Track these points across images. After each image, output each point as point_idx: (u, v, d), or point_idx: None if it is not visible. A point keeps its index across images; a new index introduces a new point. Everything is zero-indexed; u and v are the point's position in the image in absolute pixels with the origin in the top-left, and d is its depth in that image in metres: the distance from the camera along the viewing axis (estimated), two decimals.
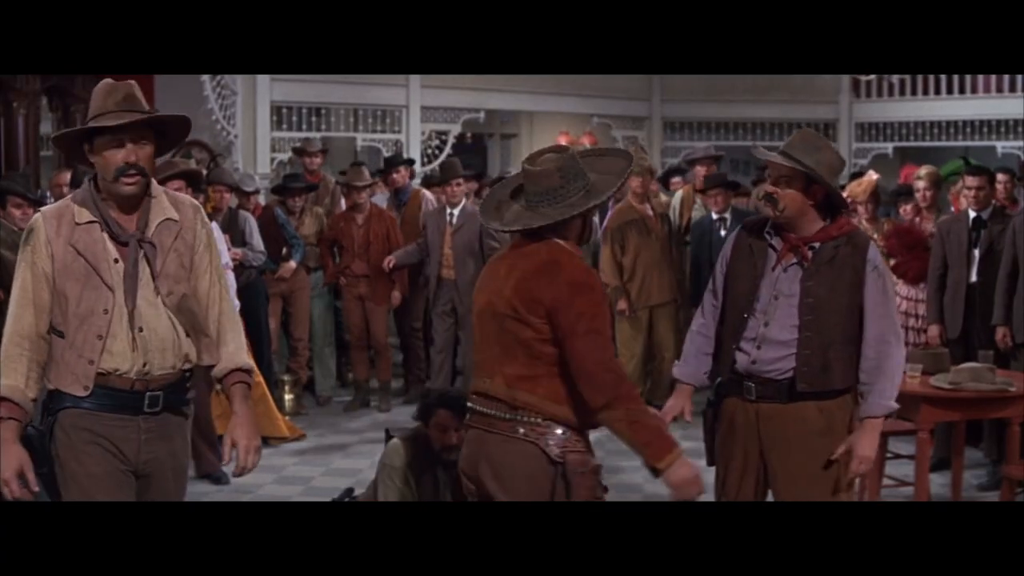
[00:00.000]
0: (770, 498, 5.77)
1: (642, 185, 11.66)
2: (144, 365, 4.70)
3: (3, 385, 4.57)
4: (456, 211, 11.80)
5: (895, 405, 5.56)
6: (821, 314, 5.48)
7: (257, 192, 12.49)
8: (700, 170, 12.79)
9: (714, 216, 11.70)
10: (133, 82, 4.78)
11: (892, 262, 10.60)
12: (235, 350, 4.99)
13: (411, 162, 14.41)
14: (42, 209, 4.78)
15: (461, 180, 12.02)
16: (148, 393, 4.73)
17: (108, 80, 4.77)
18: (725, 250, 5.85)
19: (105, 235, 4.69)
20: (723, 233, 11.21)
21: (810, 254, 5.52)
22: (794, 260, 5.54)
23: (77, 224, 4.66)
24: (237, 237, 10.92)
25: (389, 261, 11.96)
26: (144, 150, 4.73)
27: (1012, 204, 10.38)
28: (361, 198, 12.17)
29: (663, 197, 12.76)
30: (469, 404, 5.08)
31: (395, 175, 13.18)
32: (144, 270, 4.75)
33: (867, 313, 5.50)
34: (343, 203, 12.86)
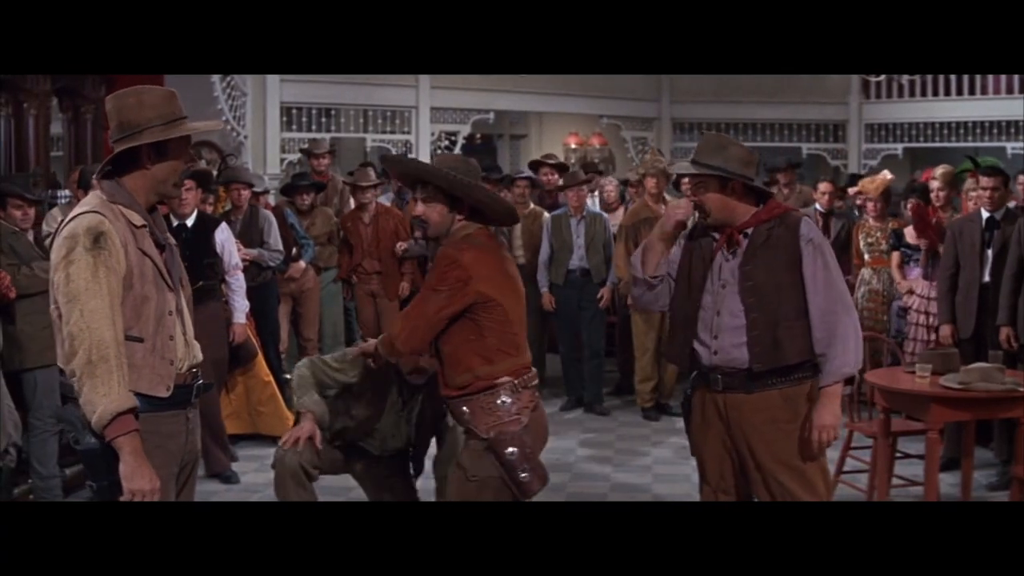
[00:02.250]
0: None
1: (657, 186, 11.84)
2: (193, 358, 4.87)
3: (125, 396, 4.48)
4: None
5: (850, 371, 5.66)
6: (763, 295, 5.63)
7: (266, 192, 12.51)
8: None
9: None
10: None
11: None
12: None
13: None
14: (95, 209, 4.65)
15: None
16: (195, 385, 4.88)
17: (158, 87, 4.81)
18: (675, 250, 5.99)
19: (150, 238, 4.75)
20: None
21: (744, 240, 5.69)
22: (732, 248, 5.71)
23: (136, 227, 4.69)
24: (256, 236, 10.95)
25: (401, 246, 12.25)
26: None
27: None
28: (366, 197, 12.28)
29: (669, 198, 12.83)
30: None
31: None
32: (177, 272, 4.88)
33: (808, 287, 5.63)
34: (352, 204, 12.91)
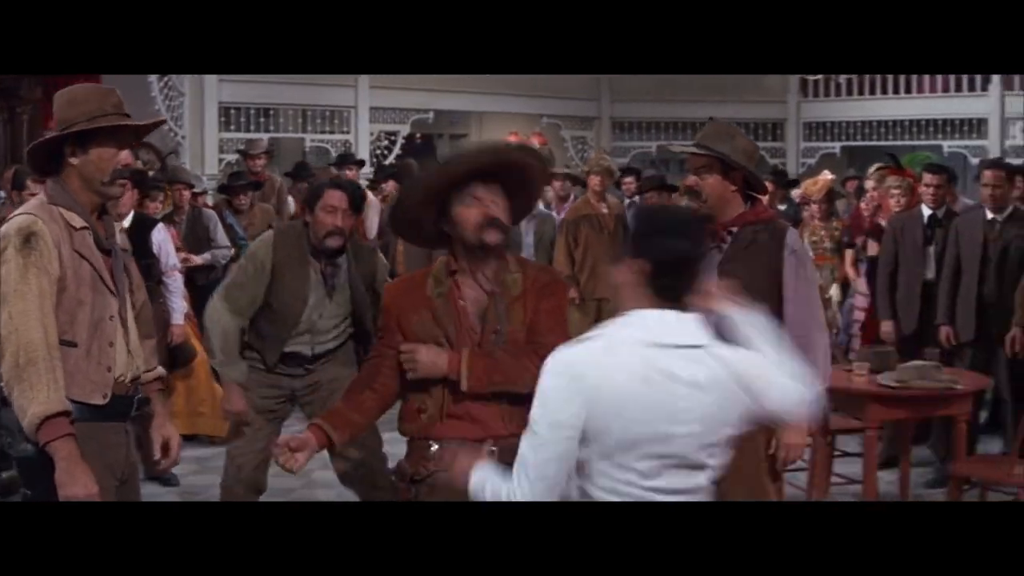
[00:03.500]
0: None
1: (601, 184, 12.03)
2: (136, 369, 4.76)
3: (56, 399, 4.36)
4: None
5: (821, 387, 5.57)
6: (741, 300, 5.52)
7: (205, 192, 12.45)
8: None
9: None
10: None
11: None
12: (151, 355, 5.02)
13: (362, 162, 14.53)
14: (29, 211, 4.58)
15: None
16: (136, 397, 4.78)
17: (91, 84, 4.77)
18: None
19: (91, 241, 4.66)
20: None
21: (728, 239, 5.61)
22: (712, 246, 5.57)
23: (75, 229, 4.59)
24: (202, 235, 10.90)
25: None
26: (129, 156, 4.76)
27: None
28: None
29: (611, 197, 12.92)
30: None
31: (348, 173, 13.35)
32: (122, 278, 4.76)
33: (786, 297, 5.55)
34: (291, 203, 12.89)
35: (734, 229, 5.62)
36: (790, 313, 5.52)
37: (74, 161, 4.66)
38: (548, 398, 3.59)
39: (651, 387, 3.54)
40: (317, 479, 7.29)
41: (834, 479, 8.71)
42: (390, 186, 13.78)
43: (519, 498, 3.60)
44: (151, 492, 9.06)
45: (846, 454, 9.05)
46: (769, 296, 5.47)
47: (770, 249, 5.58)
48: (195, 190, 11.64)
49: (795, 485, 8.72)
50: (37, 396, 4.33)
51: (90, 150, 4.65)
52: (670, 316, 3.61)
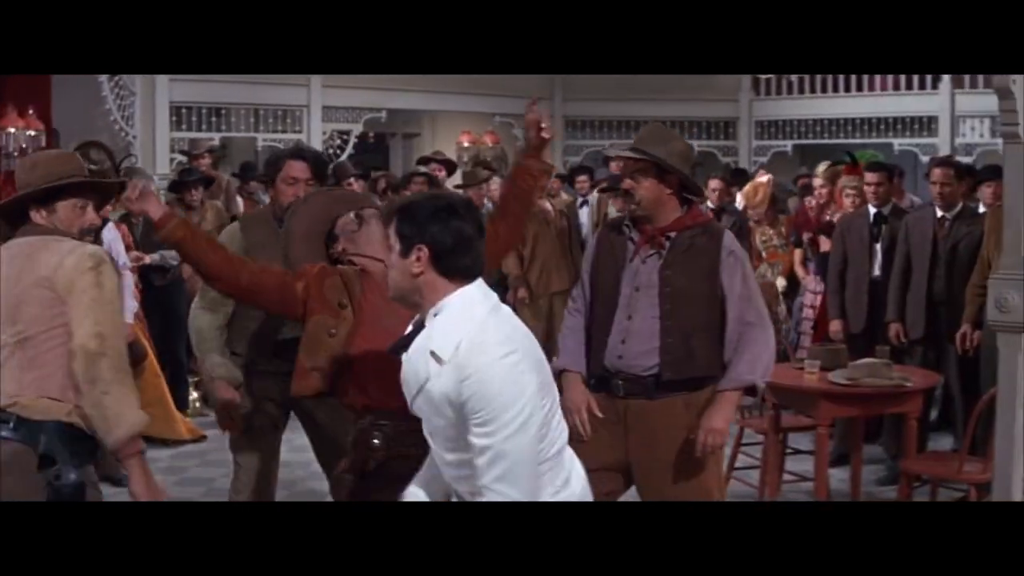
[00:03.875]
0: (635, 496, 5.83)
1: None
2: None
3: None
4: None
5: (751, 380, 5.60)
6: (680, 303, 5.56)
7: (157, 191, 12.41)
8: (613, 166, 13.71)
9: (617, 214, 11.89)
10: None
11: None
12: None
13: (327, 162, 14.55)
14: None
15: (352, 180, 12.79)
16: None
17: (53, 151, 5.03)
18: (588, 250, 5.96)
19: None
20: None
21: (667, 244, 5.63)
22: (652, 251, 5.64)
23: None
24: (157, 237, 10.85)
25: None
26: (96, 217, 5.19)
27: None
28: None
29: (564, 196, 12.98)
30: None
31: None
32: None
33: (726, 298, 5.58)
34: (239, 202, 12.91)
35: (672, 234, 5.65)
36: (732, 313, 5.57)
37: (39, 219, 4.96)
38: (516, 382, 3.68)
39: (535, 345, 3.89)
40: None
41: (786, 476, 8.75)
42: (355, 186, 13.88)
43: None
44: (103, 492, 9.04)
45: (798, 451, 9.08)
46: (708, 299, 5.59)
47: (708, 252, 5.61)
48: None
49: (747, 483, 8.75)
50: (134, 402, 4.64)
51: (57, 208, 4.98)
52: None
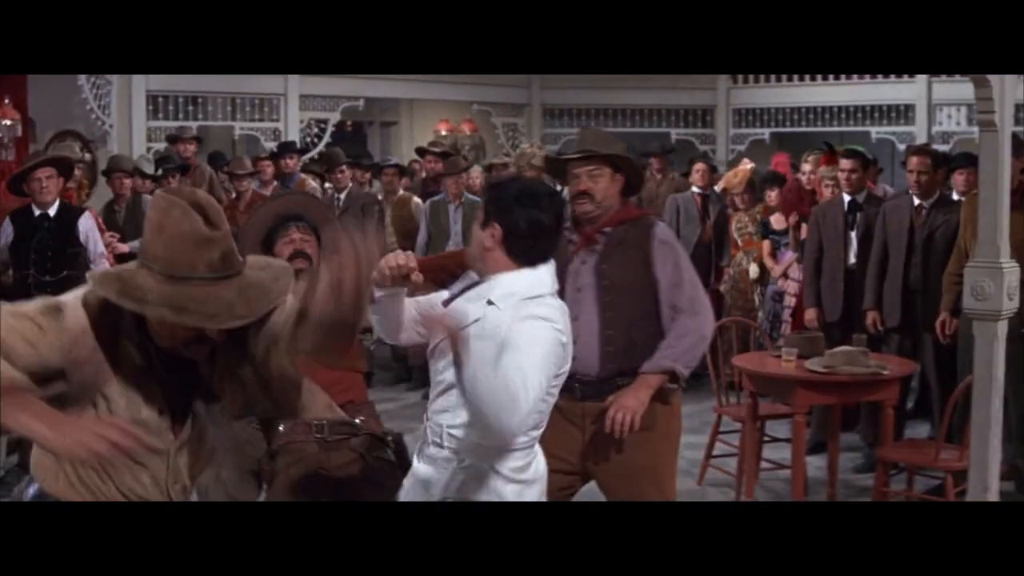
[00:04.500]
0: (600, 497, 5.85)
1: (539, 176, 12.04)
2: None
3: None
4: (342, 196, 12.90)
5: (672, 366, 5.55)
6: (619, 295, 5.62)
7: (156, 175, 12.38)
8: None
9: None
10: None
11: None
12: None
13: (302, 151, 14.68)
14: None
15: (345, 167, 13.08)
16: None
17: None
18: None
19: None
20: None
21: (602, 240, 5.71)
22: (590, 249, 5.72)
23: None
24: (141, 223, 10.84)
25: None
26: None
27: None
28: (243, 186, 12.45)
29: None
30: None
31: (288, 161, 13.64)
32: None
33: (660, 286, 5.63)
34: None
35: (607, 230, 5.73)
36: (664, 299, 5.63)
37: None
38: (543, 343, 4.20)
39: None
40: None
41: (763, 464, 8.78)
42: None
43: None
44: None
45: (775, 439, 9.10)
46: (645, 288, 5.65)
47: (641, 243, 5.68)
48: (148, 173, 11.67)
49: (724, 471, 8.78)
50: None
51: None
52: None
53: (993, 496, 6.47)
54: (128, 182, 11.12)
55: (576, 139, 6.15)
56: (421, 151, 14.76)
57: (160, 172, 12.30)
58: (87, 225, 9.52)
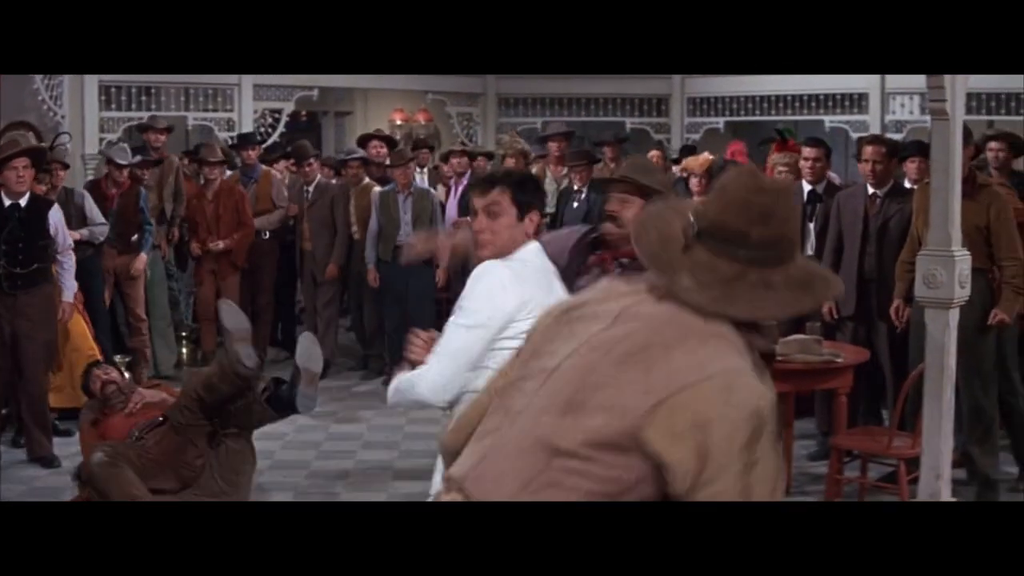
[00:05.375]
0: None
1: (516, 165, 12.39)
2: None
3: None
4: (311, 188, 13.18)
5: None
6: None
7: (133, 166, 12.29)
8: (553, 146, 13.73)
9: (575, 187, 12.37)
10: None
11: None
12: None
13: (262, 142, 14.71)
14: None
15: (312, 160, 13.42)
16: None
17: None
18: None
19: None
20: (575, 205, 12.09)
21: (615, 269, 5.73)
22: (601, 271, 5.75)
23: None
24: (75, 214, 10.88)
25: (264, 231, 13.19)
26: None
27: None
28: (213, 174, 12.74)
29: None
30: None
31: (249, 152, 13.82)
32: None
33: None
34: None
35: (625, 260, 5.74)
36: None
37: None
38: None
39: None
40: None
41: None
42: (281, 166, 14.10)
43: None
44: (32, 474, 9.04)
45: None
46: None
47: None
48: (121, 162, 11.70)
49: None
50: None
51: None
52: None
53: (945, 483, 6.52)
54: (62, 174, 11.19)
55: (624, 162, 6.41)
56: (366, 137, 14.75)
57: (137, 159, 12.26)
58: (57, 217, 9.62)
